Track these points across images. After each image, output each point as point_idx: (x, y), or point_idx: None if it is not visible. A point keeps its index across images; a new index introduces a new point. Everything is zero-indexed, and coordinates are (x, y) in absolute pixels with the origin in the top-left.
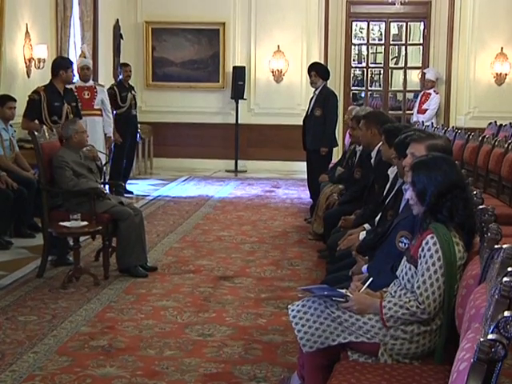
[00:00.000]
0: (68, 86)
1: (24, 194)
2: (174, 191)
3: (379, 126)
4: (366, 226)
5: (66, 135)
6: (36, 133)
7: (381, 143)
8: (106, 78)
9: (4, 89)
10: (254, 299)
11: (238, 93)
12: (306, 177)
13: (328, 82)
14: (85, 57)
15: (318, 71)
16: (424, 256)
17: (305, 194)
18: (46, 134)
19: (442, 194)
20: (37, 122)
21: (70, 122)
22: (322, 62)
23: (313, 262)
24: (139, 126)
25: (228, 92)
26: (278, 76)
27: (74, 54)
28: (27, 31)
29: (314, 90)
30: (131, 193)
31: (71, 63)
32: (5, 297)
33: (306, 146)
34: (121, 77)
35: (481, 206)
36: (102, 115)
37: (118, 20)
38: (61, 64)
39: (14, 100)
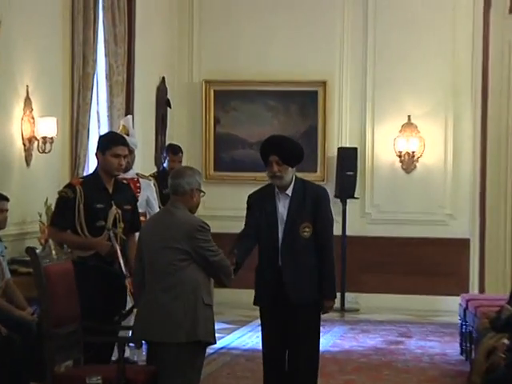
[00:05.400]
0: (122, 179)
1: (15, 344)
2: (245, 340)
3: None
4: None
5: None
6: (37, 251)
7: None
8: (143, 164)
9: None
10: None
11: (345, 188)
12: (452, 320)
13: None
14: (128, 135)
15: (283, 154)
16: None
17: (452, 348)
18: (53, 253)
19: None
20: (69, 232)
21: None
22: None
23: None
24: None
25: (331, 187)
26: (409, 162)
27: (96, 131)
28: (27, 97)
29: (277, 187)
30: None
31: (125, 143)
32: None
33: (289, 298)
34: (165, 165)
35: None
36: None
37: (163, 79)
38: (111, 144)
39: (7, 199)
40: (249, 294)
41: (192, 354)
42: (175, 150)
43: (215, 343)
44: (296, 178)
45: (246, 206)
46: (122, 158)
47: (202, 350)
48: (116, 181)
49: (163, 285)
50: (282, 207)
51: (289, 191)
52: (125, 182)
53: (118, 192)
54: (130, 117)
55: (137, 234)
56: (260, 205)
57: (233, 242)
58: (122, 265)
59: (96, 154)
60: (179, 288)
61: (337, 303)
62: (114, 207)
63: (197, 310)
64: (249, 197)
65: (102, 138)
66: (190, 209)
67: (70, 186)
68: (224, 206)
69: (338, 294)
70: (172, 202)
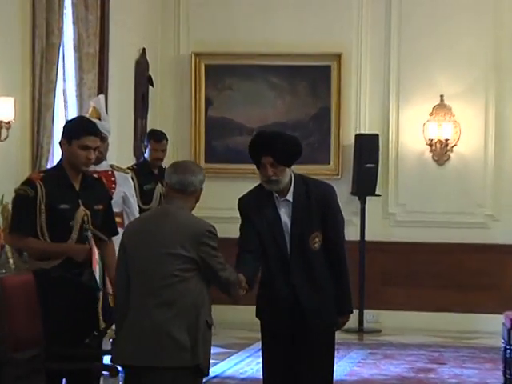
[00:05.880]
0: (93, 173)
1: None
2: (243, 368)
3: None
4: None
5: None
6: None
7: None
8: (120, 154)
9: None
10: None
11: (364, 184)
12: (494, 343)
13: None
14: (99, 119)
15: (278, 154)
16: None
17: (494, 377)
18: (11, 261)
19: None
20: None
21: None
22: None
23: None
24: None
25: (347, 182)
26: (442, 152)
27: (63, 113)
28: None
29: (273, 191)
30: None
31: (97, 133)
32: None
33: (308, 322)
34: (146, 155)
35: None
36: (123, 224)
37: (144, 51)
38: (79, 132)
39: None
40: (247, 312)
41: (192, 379)
42: (158, 137)
43: (208, 374)
44: (295, 176)
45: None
46: (92, 151)
47: (200, 376)
48: (84, 175)
49: (160, 299)
50: (285, 215)
51: (289, 196)
52: (96, 176)
53: (86, 189)
54: (102, 97)
55: (114, 239)
56: (259, 211)
57: (236, 264)
58: (97, 274)
59: (60, 143)
60: (180, 303)
61: (354, 323)
62: (81, 208)
63: (198, 331)
64: (240, 201)
65: (68, 125)
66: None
67: (28, 182)
68: (217, 206)
69: (356, 312)
70: (171, 200)
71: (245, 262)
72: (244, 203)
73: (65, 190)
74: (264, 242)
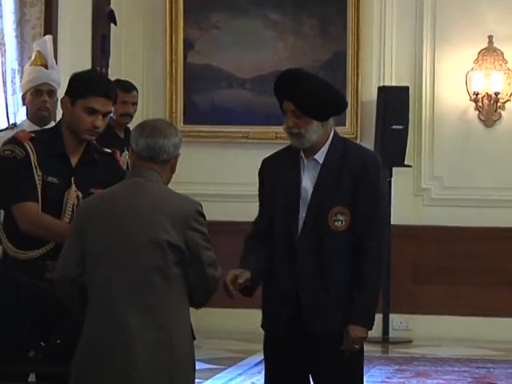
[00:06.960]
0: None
1: None
2: None
3: None
4: None
5: None
6: None
7: None
8: None
9: None
10: None
11: (390, 151)
12: None
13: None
14: (46, 67)
15: (301, 100)
16: None
17: None
18: None
19: None
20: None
21: None
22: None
23: None
24: None
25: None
26: (491, 110)
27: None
28: None
29: (302, 151)
30: None
31: (111, 95)
32: None
33: (308, 326)
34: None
35: None
36: None
37: None
38: (88, 90)
39: None
40: (240, 317)
41: None
42: (126, 87)
43: None
44: (334, 136)
45: (237, 178)
46: (101, 117)
47: None
48: (89, 147)
49: (136, 303)
50: (308, 180)
51: (319, 156)
52: (108, 150)
53: (86, 166)
54: (49, 38)
55: None
56: (277, 173)
57: (243, 246)
58: None
59: (62, 100)
60: (164, 309)
61: (377, 331)
62: (73, 188)
63: (185, 346)
64: (262, 163)
65: (77, 78)
66: None
67: (15, 141)
68: (199, 179)
69: (379, 316)
70: (140, 171)
71: (252, 247)
72: (263, 166)
73: (56, 160)
74: (274, 213)
